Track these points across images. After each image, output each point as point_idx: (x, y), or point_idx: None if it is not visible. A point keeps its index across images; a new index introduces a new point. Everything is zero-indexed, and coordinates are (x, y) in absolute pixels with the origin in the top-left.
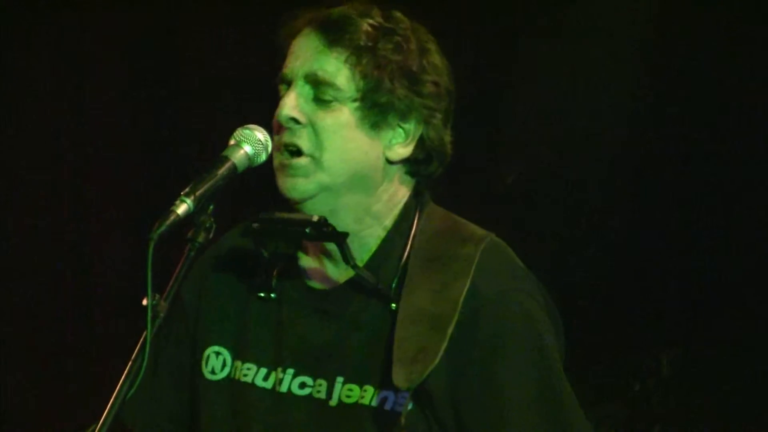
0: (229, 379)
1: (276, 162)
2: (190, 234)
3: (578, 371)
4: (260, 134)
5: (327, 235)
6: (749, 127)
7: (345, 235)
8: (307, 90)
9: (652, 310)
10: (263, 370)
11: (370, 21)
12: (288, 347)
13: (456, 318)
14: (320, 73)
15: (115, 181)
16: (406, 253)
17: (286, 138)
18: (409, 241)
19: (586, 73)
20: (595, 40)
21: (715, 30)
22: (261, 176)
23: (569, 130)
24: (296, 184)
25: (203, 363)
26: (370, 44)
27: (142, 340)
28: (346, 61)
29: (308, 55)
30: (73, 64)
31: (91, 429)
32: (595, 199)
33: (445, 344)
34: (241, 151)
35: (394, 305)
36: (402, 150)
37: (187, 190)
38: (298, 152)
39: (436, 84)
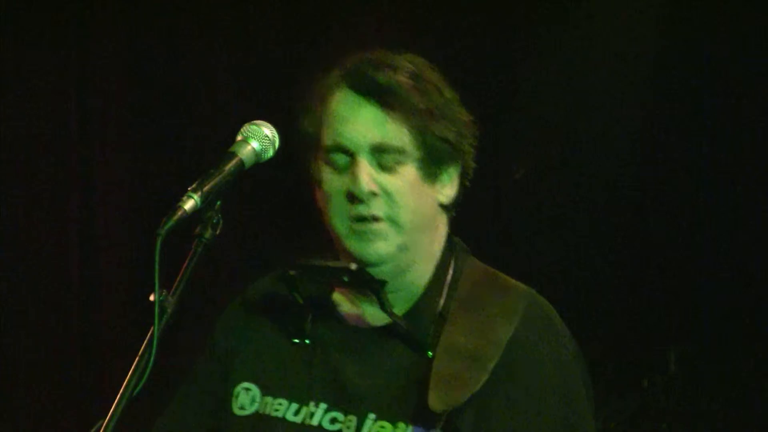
0: (258, 414)
1: (346, 228)
2: (197, 230)
3: (587, 368)
4: (267, 130)
5: (366, 282)
6: (755, 127)
7: (383, 283)
8: (375, 160)
9: (661, 308)
10: (294, 405)
11: (413, 82)
12: (320, 383)
13: (498, 358)
14: (387, 144)
15: (122, 177)
16: (442, 300)
17: (363, 210)
18: (445, 288)
19: (594, 71)
20: (603, 38)
21: (724, 31)
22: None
23: (577, 128)
24: (378, 249)
25: (233, 400)
26: (422, 105)
27: (149, 336)
28: (407, 127)
29: (368, 125)
30: (76, 59)
31: (98, 425)
32: (603, 197)
33: (485, 377)
34: (249, 147)
35: (430, 353)
36: (450, 191)
37: (194, 185)
38: (375, 218)
39: (472, 121)
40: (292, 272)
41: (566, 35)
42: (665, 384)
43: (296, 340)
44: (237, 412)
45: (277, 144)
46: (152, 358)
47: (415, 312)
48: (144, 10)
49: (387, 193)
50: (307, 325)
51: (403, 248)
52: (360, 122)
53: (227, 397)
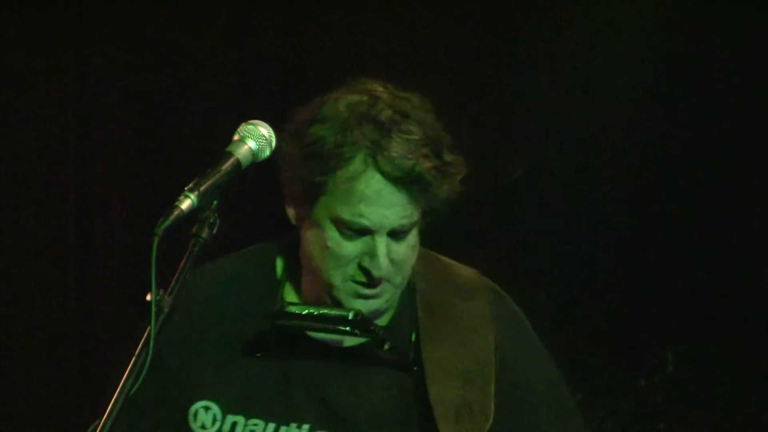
0: None
1: (344, 285)
2: (193, 229)
3: (585, 368)
4: (264, 130)
5: (368, 332)
6: (755, 127)
7: (385, 330)
8: (390, 235)
9: (658, 308)
10: (271, 425)
11: (434, 162)
12: (302, 402)
13: (494, 378)
14: (406, 225)
15: (119, 177)
16: (416, 303)
17: (374, 283)
18: (410, 290)
19: (591, 70)
20: (600, 37)
21: (721, 25)
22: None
23: (574, 128)
24: (371, 306)
25: (191, 418)
26: (440, 187)
27: (145, 335)
28: (422, 205)
29: (393, 210)
30: (76, 61)
31: (94, 425)
32: (600, 197)
33: (492, 403)
34: (245, 147)
35: (416, 368)
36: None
37: (190, 185)
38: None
39: (458, 155)
40: (283, 323)
41: (566, 35)
42: (662, 384)
43: (258, 354)
44: (198, 431)
45: (273, 144)
46: (149, 358)
47: (394, 326)
48: (144, 9)
49: (395, 263)
50: (271, 338)
51: (393, 298)
52: (385, 206)
53: (182, 417)
